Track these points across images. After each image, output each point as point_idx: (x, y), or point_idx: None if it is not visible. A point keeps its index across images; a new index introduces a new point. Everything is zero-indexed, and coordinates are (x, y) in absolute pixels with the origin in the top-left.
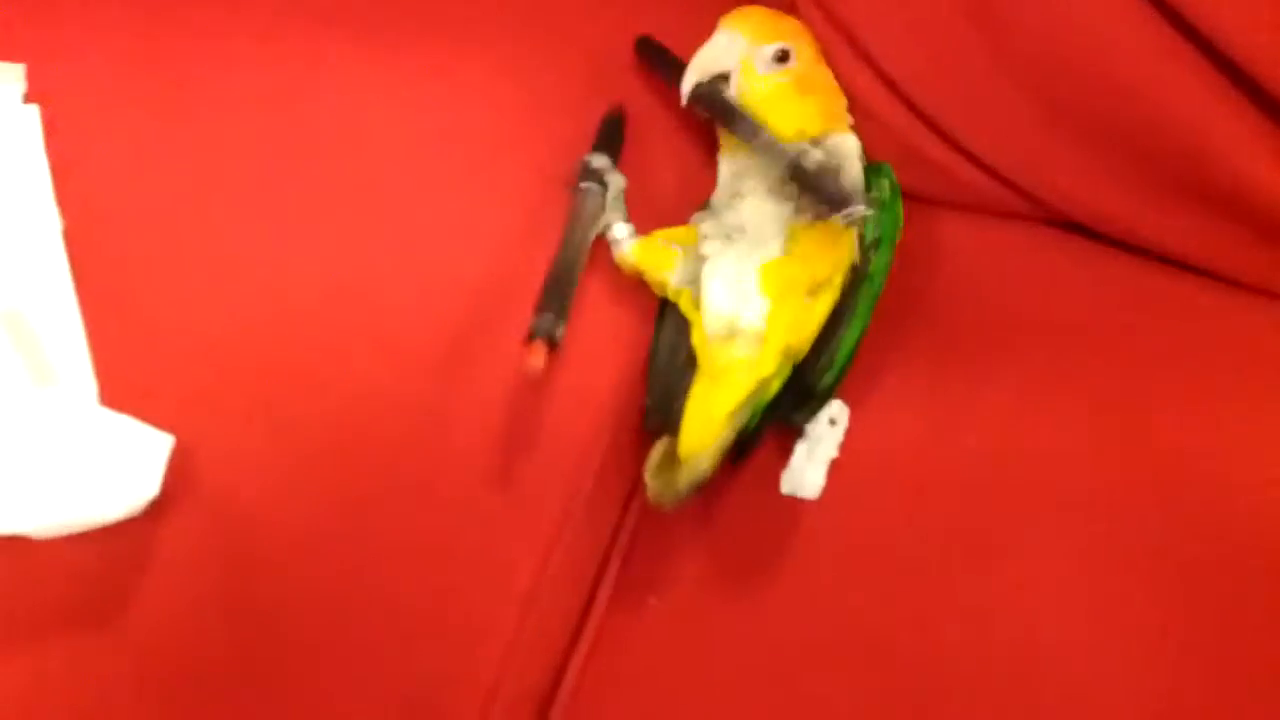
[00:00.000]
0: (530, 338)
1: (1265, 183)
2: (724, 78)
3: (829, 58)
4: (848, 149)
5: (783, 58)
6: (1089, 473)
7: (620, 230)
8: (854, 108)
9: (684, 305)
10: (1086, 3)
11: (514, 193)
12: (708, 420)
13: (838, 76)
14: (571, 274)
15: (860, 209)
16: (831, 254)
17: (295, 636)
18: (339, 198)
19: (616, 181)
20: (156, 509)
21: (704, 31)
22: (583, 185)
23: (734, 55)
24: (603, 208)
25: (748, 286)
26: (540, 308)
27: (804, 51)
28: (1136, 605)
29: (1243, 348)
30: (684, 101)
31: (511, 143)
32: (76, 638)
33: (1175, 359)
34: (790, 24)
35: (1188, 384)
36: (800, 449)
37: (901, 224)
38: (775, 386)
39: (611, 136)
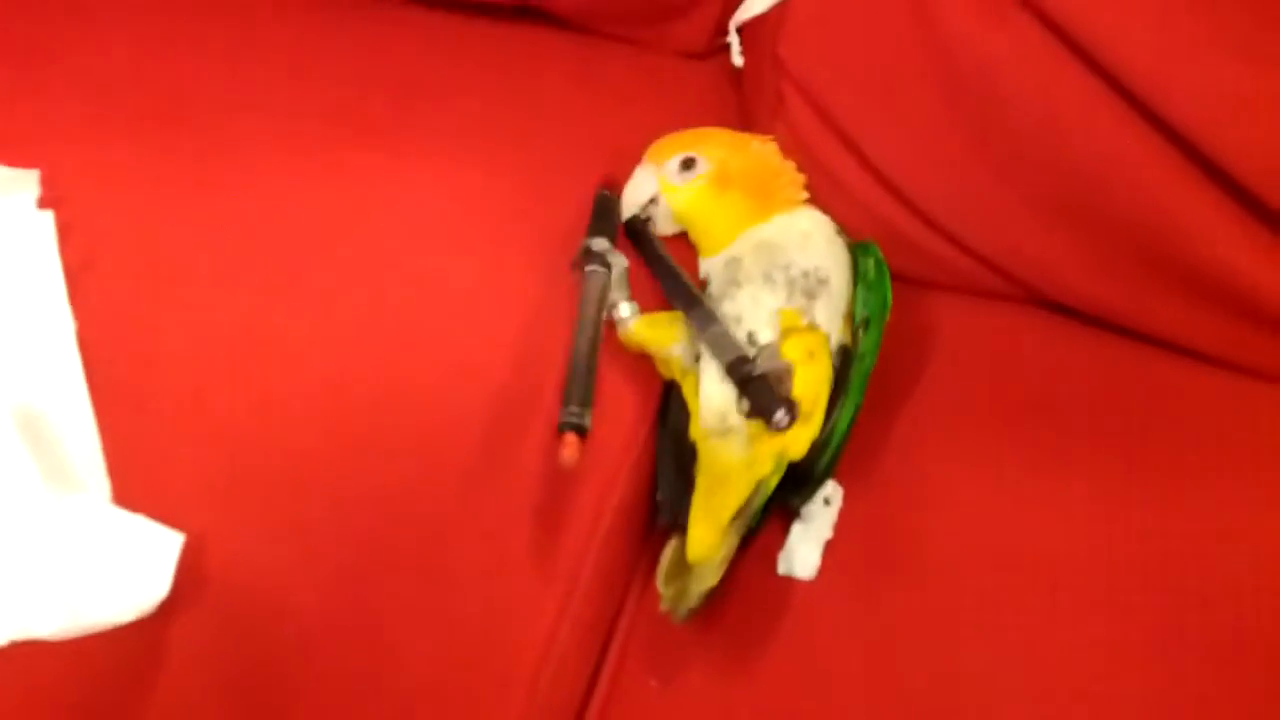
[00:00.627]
0: (561, 430)
1: (1241, 268)
2: (652, 203)
3: (813, 148)
4: (803, 226)
5: (688, 164)
6: (1081, 554)
7: (625, 309)
8: (841, 193)
9: (686, 391)
10: (1065, 97)
11: (518, 276)
12: (712, 527)
13: (824, 163)
14: (590, 359)
15: (783, 421)
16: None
17: (311, 718)
18: (349, 292)
19: (619, 262)
20: (167, 606)
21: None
22: (587, 269)
23: (650, 180)
24: (608, 289)
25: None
26: (566, 399)
27: (713, 154)
28: (1134, 685)
29: (1226, 426)
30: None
31: (512, 229)
32: None
33: (1162, 438)
34: (693, 136)
35: (1174, 463)
36: (796, 529)
37: (890, 302)
38: (773, 484)
39: (605, 214)
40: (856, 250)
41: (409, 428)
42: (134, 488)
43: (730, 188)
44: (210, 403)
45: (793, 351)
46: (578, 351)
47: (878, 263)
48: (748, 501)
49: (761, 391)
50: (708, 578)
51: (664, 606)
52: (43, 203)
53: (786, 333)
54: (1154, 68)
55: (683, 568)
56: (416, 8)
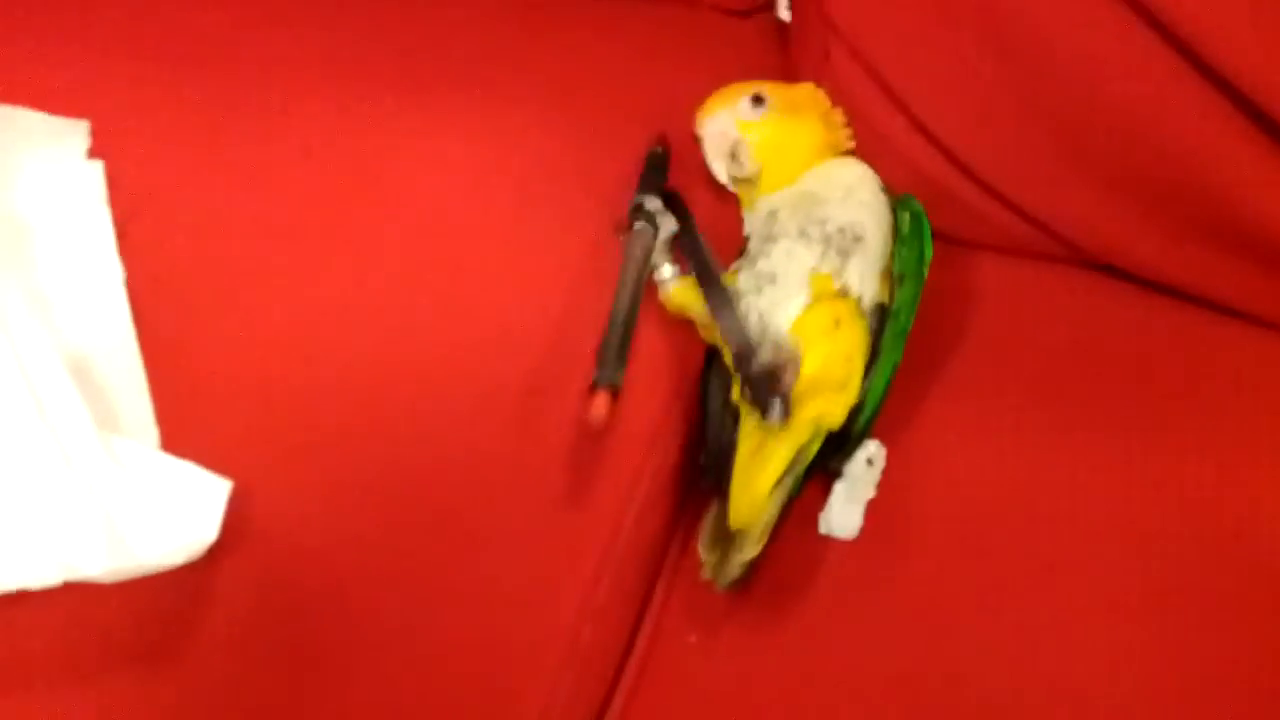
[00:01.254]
0: (593, 388)
1: None
2: (736, 144)
3: (860, 106)
4: (847, 179)
5: (759, 101)
6: (1124, 511)
7: (666, 270)
8: (888, 151)
9: (726, 357)
10: (1114, 50)
11: (559, 235)
12: (753, 496)
13: (871, 122)
14: (629, 319)
15: (775, 417)
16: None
17: (350, 671)
18: (393, 245)
19: (667, 224)
20: (214, 552)
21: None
22: (635, 227)
23: (729, 124)
24: (653, 249)
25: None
26: (601, 357)
27: (774, 92)
28: (1176, 645)
29: (1270, 389)
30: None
31: (554, 187)
32: (138, 679)
33: (1208, 398)
34: (748, 84)
35: (1219, 427)
36: (838, 489)
37: (928, 258)
38: (813, 451)
39: (656, 173)
40: (896, 205)
41: (452, 386)
42: (181, 436)
43: (799, 115)
44: (256, 354)
45: (818, 321)
46: (616, 309)
47: (914, 216)
48: (788, 469)
49: (759, 387)
50: (749, 547)
51: (705, 574)
52: (92, 153)
53: (817, 299)
54: (1209, 23)
55: (724, 534)
56: None
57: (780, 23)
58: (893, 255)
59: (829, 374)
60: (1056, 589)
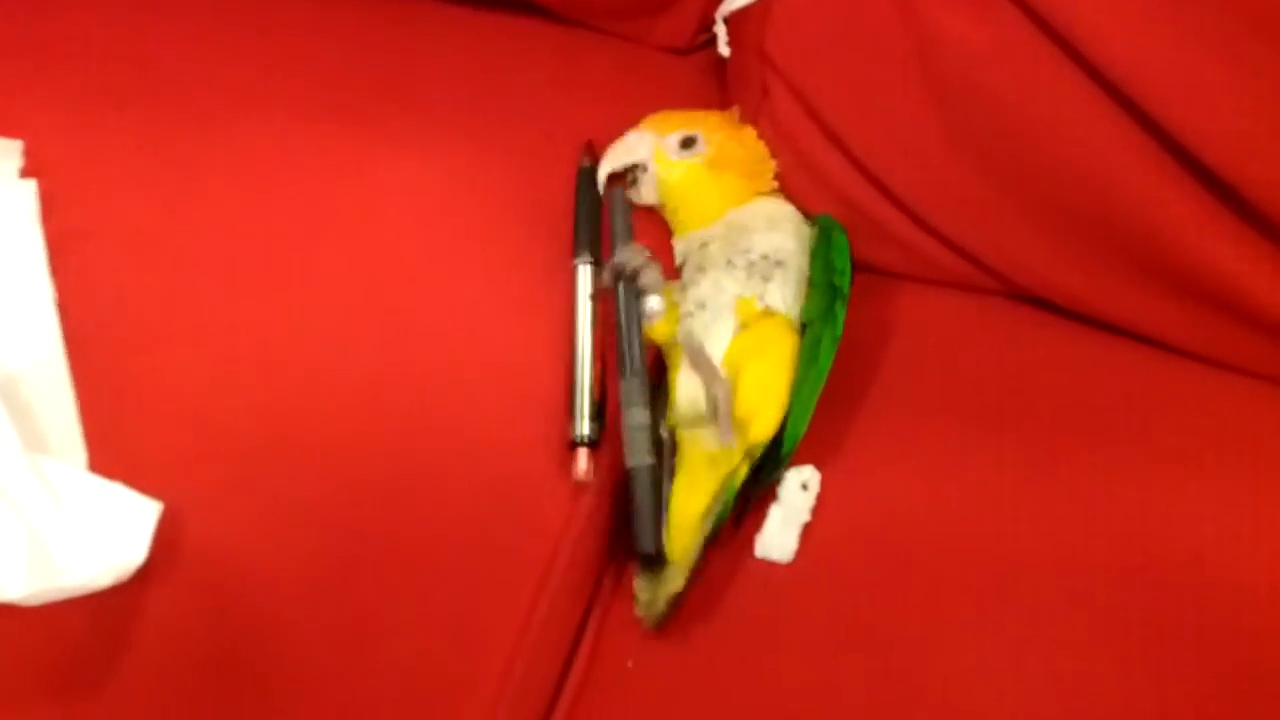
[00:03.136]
0: (573, 445)
1: (1220, 263)
2: (639, 168)
3: (798, 141)
4: (770, 210)
5: (689, 143)
6: (1053, 535)
7: (654, 304)
8: (824, 185)
9: (669, 380)
10: (1046, 91)
11: (506, 266)
12: (686, 521)
13: (808, 156)
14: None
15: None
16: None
17: (282, 696)
18: (331, 274)
19: (643, 264)
20: (143, 574)
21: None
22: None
23: (645, 146)
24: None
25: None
26: (577, 413)
27: (714, 136)
28: (1110, 670)
29: (1201, 420)
30: (600, 183)
31: (495, 220)
32: (64, 705)
33: (1137, 432)
34: (695, 116)
35: (1147, 457)
36: (774, 513)
37: (841, 267)
38: (743, 473)
39: (591, 194)
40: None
41: (391, 411)
42: (111, 457)
43: (723, 171)
44: (189, 375)
45: (746, 348)
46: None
47: (823, 230)
48: (716, 495)
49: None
50: (675, 579)
51: (639, 611)
52: (25, 173)
53: (743, 325)
54: (1137, 64)
55: (658, 571)
56: None
57: (721, 59)
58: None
59: (763, 397)
60: (989, 612)
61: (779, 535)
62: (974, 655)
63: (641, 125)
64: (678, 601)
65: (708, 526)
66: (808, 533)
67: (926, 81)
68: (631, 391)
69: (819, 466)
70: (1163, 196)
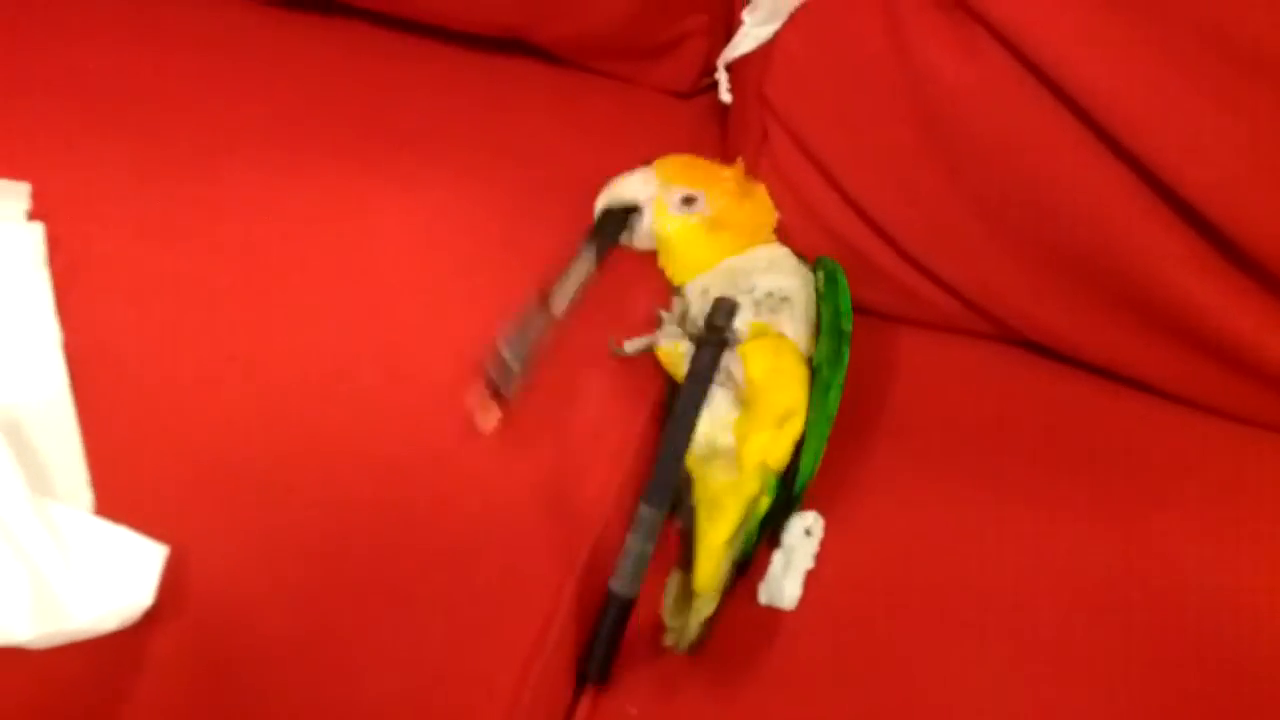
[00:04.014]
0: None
1: (1208, 306)
2: (634, 210)
3: (797, 185)
4: (767, 254)
5: (689, 201)
6: (1058, 578)
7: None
8: (824, 228)
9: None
10: (1034, 131)
11: (495, 305)
12: (714, 554)
13: (809, 200)
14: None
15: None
16: (791, 373)
17: None
18: (326, 313)
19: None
20: (149, 618)
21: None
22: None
23: (648, 191)
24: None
25: (719, 408)
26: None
27: (716, 198)
28: (1099, 710)
29: (1193, 463)
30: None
31: (491, 260)
32: None
33: (1130, 474)
34: (706, 172)
35: (1142, 499)
36: (777, 559)
37: (846, 310)
38: (765, 504)
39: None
40: (815, 269)
41: (386, 451)
42: (117, 500)
43: (720, 231)
44: (193, 417)
45: (761, 346)
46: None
47: (828, 274)
48: (740, 523)
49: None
50: (707, 605)
51: (668, 641)
52: (33, 215)
53: (756, 335)
54: (1123, 104)
55: (687, 600)
56: (405, 35)
57: (722, 104)
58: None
59: (771, 402)
60: (996, 658)
61: (783, 582)
62: (983, 700)
63: (652, 167)
64: (709, 626)
65: (733, 554)
66: (810, 579)
67: (920, 123)
68: (648, 522)
69: (820, 511)
70: (1151, 235)
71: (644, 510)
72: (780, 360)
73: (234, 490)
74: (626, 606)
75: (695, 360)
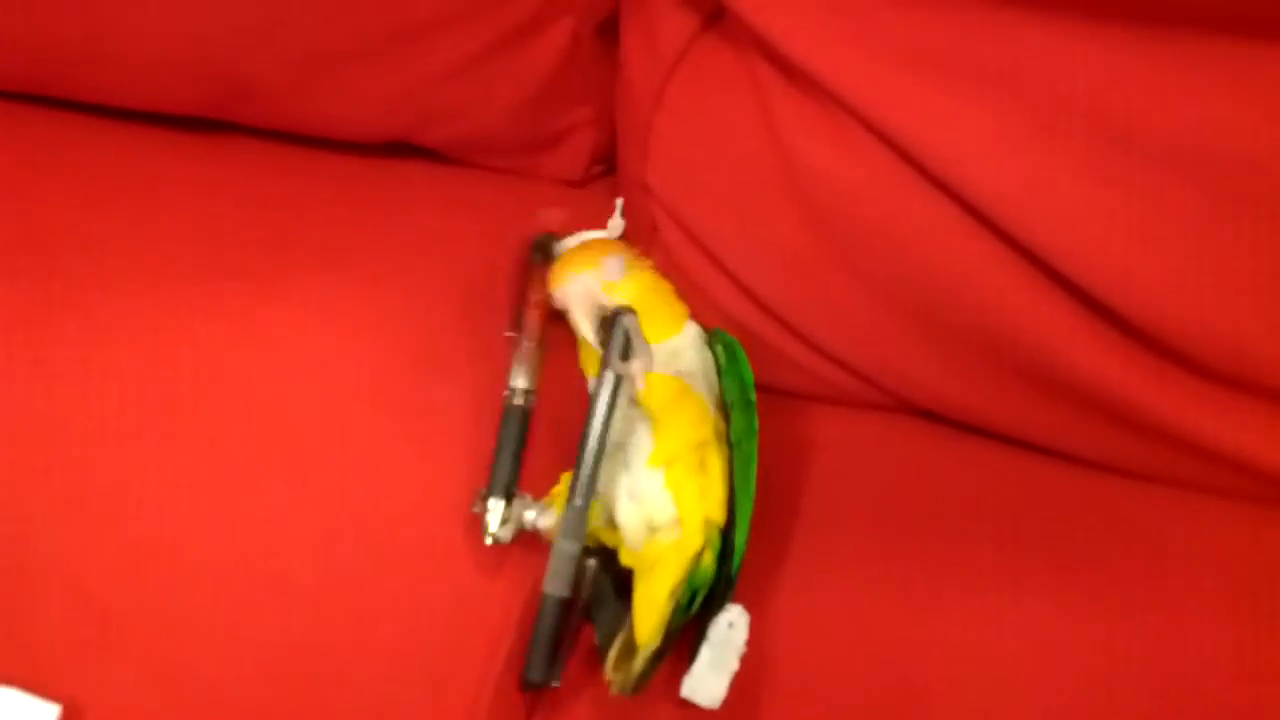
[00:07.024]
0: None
1: (1098, 370)
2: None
3: (689, 271)
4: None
5: (616, 265)
6: (982, 657)
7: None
8: (717, 311)
9: (605, 539)
10: (918, 221)
11: (415, 421)
12: (652, 605)
13: (697, 288)
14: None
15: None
16: (693, 414)
17: None
18: (224, 445)
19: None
20: None
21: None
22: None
23: (594, 287)
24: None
25: (646, 487)
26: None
27: (628, 253)
28: None
29: (1106, 528)
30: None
31: (398, 364)
32: None
33: (1045, 542)
34: (602, 243)
35: (1059, 567)
36: (704, 654)
37: (750, 381)
38: (709, 560)
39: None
40: (709, 342)
41: (290, 589)
42: (9, 659)
43: (661, 278)
44: (89, 567)
45: (662, 379)
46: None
47: (725, 347)
48: (684, 576)
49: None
50: (642, 662)
51: (614, 690)
52: None
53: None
54: (1000, 191)
55: (630, 654)
56: (289, 146)
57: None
58: (721, 390)
59: (681, 427)
60: None
61: (706, 678)
62: None
63: (565, 274)
64: (655, 664)
65: (676, 600)
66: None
67: (801, 212)
68: (573, 521)
69: (744, 603)
70: (1039, 312)
71: (567, 510)
72: (684, 396)
73: (134, 648)
74: (561, 607)
75: (604, 345)
